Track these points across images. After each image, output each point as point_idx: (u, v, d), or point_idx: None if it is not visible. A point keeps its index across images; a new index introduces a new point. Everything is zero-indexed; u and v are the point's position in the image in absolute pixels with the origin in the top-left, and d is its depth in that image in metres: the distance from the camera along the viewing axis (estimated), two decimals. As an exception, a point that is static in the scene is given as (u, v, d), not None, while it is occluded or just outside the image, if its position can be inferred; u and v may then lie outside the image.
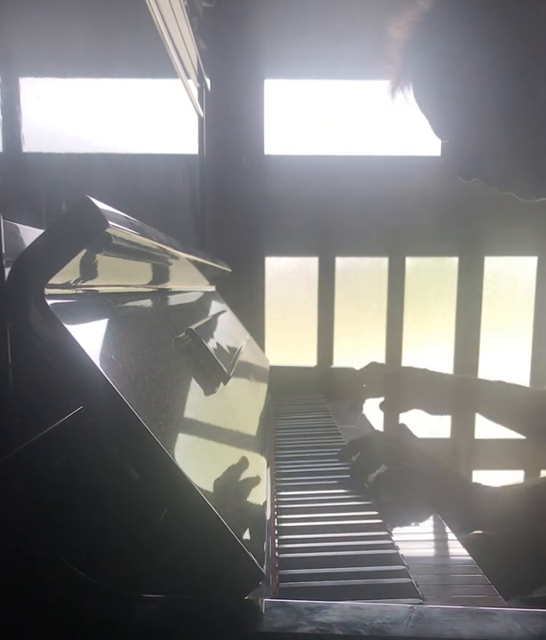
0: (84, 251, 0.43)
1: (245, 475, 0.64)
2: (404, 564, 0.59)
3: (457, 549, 0.67)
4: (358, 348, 1.85)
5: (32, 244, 0.42)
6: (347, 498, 0.78)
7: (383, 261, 1.80)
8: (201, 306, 1.04)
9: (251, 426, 0.83)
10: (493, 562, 0.66)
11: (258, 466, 0.72)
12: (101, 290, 0.54)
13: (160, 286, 0.78)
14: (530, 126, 0.80)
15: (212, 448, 0.60)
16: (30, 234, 0.49)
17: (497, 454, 1.81)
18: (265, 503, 0.66)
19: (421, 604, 0.51)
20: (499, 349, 1.85)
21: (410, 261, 1.80)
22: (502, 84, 0.78)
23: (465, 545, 0.67)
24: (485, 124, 0.81)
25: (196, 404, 0.61)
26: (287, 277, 1.82)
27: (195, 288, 1.06)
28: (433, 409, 1.14)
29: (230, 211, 1.71)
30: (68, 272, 0.44)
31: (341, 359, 1.80)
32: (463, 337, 1.82)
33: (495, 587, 0.57)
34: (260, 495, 0.65)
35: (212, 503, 0.43)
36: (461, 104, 0.81)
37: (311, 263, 1.80)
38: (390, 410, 1.20)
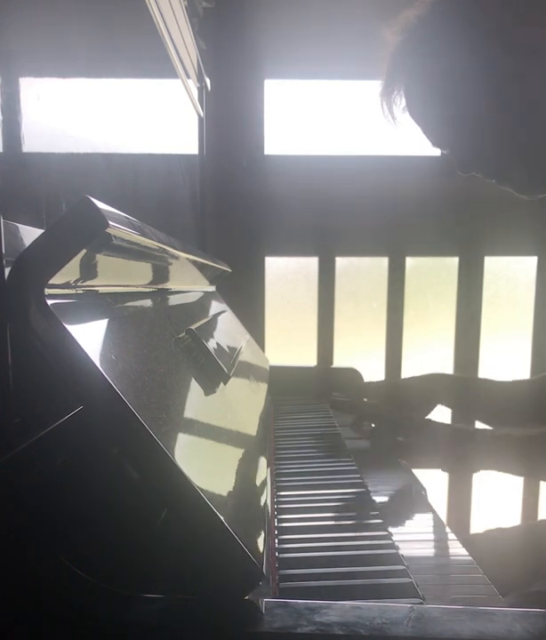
0: (84, 251, 0.43)
1: (246, 475, 0.64)
2: (404, 564, 0.59)
3: (457, 549, 0.67)
4: (358, 348, 1.85)
5: (32, 243, 0.42)
6: (347, 498, 0.78)
7: (383, 261, 1.80)
8: (201, 306, 1.04)
9: (251, 426, 0.83)
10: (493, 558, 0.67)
11: (258, 466, 0.72)
12: (101, 290, 0.54)
13: (160, 286, 0.78)
14: (524, 121, 0.81)
15: (213, 448, 0.60)
16: (30, 234, 0.49)
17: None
18: (265, 503, 0.66)
19: (421, 603, 0.51)
20: (499, 349, 1.84)
21: (410, 261, 1.80)
22: (493, 81, 0.79)
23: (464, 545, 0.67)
24: (478, 120, 0.82)
25: (197, 403, 0.61)
26: (287, 277, 1.82)
27: (195, 288, 1.06)
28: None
29: (230, 211, 1.71)
30: (68, 272, 0.44)
31: (341, 359, 1.80)
32: (463, 337, 1.82)
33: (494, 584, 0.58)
34: (260, 495, 0.65)
35: (213, 503, 0.43)
36: (454, 102, 0.82)
37: (311, 263, 1.79)
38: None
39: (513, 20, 0.77)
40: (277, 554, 0.62)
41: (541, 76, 0.78)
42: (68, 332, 0.42)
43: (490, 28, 0.77)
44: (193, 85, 1.33)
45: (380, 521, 0.70)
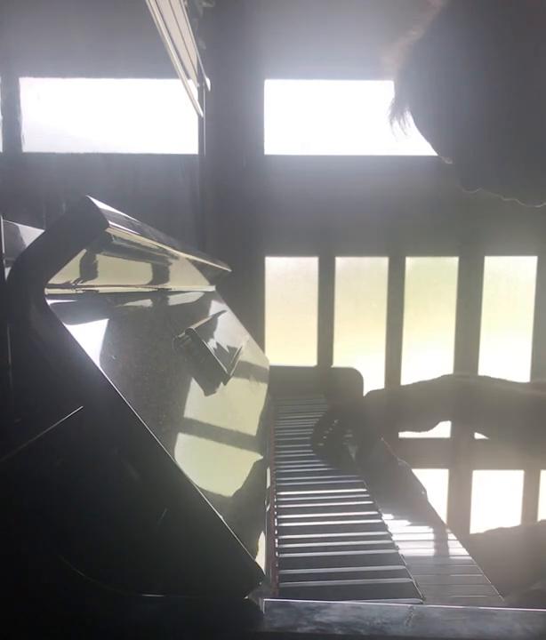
0: (84, 251, 0.43)
1: (245, 475, 0.64)
2: (404, 564, 0.59)
3: (457, 549, 0.67)
4: (358, 347, 1.85)
5: (32, 243, 0.42)
6: (347, 498, 0.78)
7: (383, 261, 1.80)
8: (201, 306, 1.04)
9: (251, 426, 0.83)
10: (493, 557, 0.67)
11: (258, 466, 0.72)
12: (101, 290, 0.54)
13: (160, 286, 0.78)
14: (529, 136, 0.82)
15: (213, 448, 0.60)
16: (30, 234, 0.49)
17: (497, 454, 1.81)
18: (265, 503, 0.66)
19: (421, 603, 0.51)
20: (499, 350, 1.84)
21: (410, 261, 1.80)
22: (497, 101, 0.81)
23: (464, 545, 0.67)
24: (484, 138, 0.84)
25: (197, 403, 0.61)
26: (287, 277, 1.82)
27: (195, 288, 1.06)
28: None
29: (230, 211, 1.71)
30: (68, 272, 0.44)
31: (341, 359, 1.80)
32: (463, 337, 1.82)
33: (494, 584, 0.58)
34: (260, 495, 0.65)
35: (213, 503, 0.43)
36: (459, 122, 0.84)
37: (311, 263, 1.80)
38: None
39: (511, 36, 0.79)
40: (277, 554, 0.62)
41: (541, 87, 0.79)
42: (68, 332, 0.42)
43: (488, 45, 0.79)
44: (193, 85, 1.33)
45: (380, 521, 0.70)
